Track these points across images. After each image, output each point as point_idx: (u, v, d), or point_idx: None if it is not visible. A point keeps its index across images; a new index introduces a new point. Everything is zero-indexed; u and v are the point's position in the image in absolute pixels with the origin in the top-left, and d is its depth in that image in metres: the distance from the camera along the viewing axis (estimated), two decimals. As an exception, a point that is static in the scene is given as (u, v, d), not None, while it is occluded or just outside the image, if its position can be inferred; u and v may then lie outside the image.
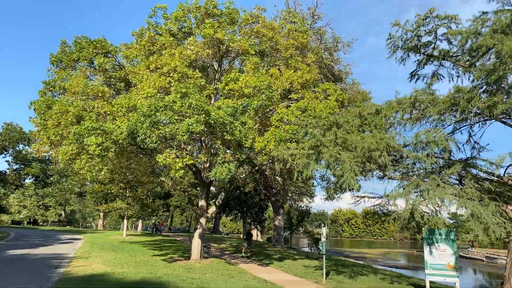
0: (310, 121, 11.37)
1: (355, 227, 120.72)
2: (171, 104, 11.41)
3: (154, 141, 11.40)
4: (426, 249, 11.02)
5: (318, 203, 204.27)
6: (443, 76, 15.29)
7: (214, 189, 48.84)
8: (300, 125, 11.48)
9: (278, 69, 17.10)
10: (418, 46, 14.94)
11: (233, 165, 12.11)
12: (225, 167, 12.03)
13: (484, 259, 43.95)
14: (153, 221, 57.36)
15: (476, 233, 9.11)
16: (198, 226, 17.60)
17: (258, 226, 52.20)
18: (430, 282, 11.12)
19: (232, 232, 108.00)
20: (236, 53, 17.30)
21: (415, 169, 12.59)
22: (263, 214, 50.70)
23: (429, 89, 13.51)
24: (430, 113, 11.34)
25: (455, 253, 10.79)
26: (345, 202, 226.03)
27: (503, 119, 12.60)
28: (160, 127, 11.46)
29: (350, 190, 15.73)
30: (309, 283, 12.89)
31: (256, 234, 56.10)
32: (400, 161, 12.74)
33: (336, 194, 18.42)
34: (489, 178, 12.85)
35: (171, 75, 14.21)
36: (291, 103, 16.12)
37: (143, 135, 11.39)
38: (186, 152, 12.47)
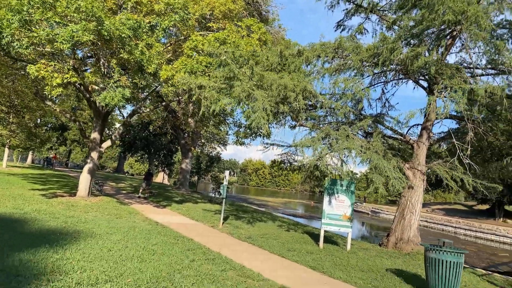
0: (226, 51, 9.92)
1: (262, 177, 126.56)
2: (52, 1, 8.83)
3: (25, 46, 8.83)
4: (325, 199, 10.89)
5: (231, 151, 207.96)
6: (367, 31, 14.88)
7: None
8: (215, 54, 9.98)
9: (199, -8, 14.93)
10: (349, -8, 14.15)
11: (128, 91, 10.21)
12: (119, 92, 10.06)
13: (370, 212, 49.32)
14: (47, 154, 51.61)
15: (376, 185, 9.02)
16: (88, 161, 15.47)
17: (165, 169, 50.60)
18: (325, 231, 11.15)
19: (140, 174, 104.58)
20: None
21: (327, 121, 12.23)
22: (172, 157, 49.04)
23: (353, 38, 12.94)
24: (352, 62, 10.74)
25: (352, 204, 10.86)
26: (256, 154, 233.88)
27: (418, 78, 12.70)
28: (34, 29, 8.88)
29: (260, 134, 15.07)
30: (204, 227, 12.15)
31: (162, 177, 54.54)
32: (314, 110, 12.21)
33: (246, 139, 17.70)
34: (393, 136, 13.13)
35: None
36: (209, 33, 14.32)
37: (9, 37, 8.73)
38: (69, 66, 10.09)
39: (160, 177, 54.95)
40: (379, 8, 14.40)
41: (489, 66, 11.72)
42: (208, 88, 9.63)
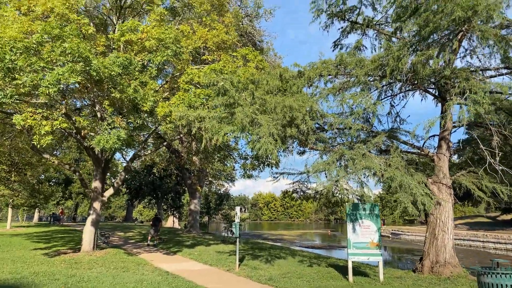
0: (224, 78, 9.33)
1: (274, 210, 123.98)
2: (36, 46, 8.39)
3: (9, 96, 8.30)
4: (349, 227, 9.88)
5: (239, 187, 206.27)
6: (365, 47, 14.41)
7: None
8: (212, 83, 9.39)
9: (191, 27, 14.69)
10: (343, 11, 13.80)
11: (124, 132, 9.56)
12: (113, 133, 9.41)
13: (390, 235, 47.22)
14: (54, 210, 50.79)
15: (405, 204, 8.06)
16: (91, 212, 14.63)
17: (175, 212, 49.39)
18: (352, 262, 10.05)
19: (149, 220, 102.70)
20: (141, 5, 14.46)
21: (337, 142, 11.44)
22: (180, 199, 47.99)
23: (354, 54, 12.42)
24: (356, 78, 10.07)
25: (379, 229, 9.83)
26: (265, 187, 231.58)
27: (427, 87, 12.02)
28: (17, 76, 8.39)
29: (268, 164, 14.25)
30: (219, 271, 11.07)
31: (172, 221, 53.23)
32: (323, 132, 11.47)
33: (254, 171, 16.89)
34: (410, 151, 12.28)
35: (48, 20, 10.95)
36: (205, 66, 13.92)
37: (-8, 87, 8.24)
38: (60, 113, 9.52)
39: (170, 221, 53.64)
40: (375, 22, 14.02)
41: (502, 65, 11.05)
42: (208, 119, 8.96)
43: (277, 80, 10.32)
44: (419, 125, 15.07)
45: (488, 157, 9.08)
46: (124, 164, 37.74)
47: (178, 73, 13.32)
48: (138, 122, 10.51)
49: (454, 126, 12.25)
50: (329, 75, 11.02)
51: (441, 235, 11.05)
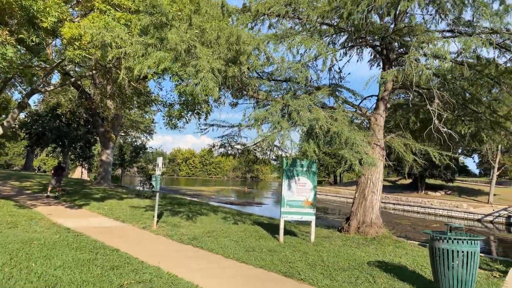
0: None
1: (193, 167, 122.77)
2: None
3: None
4: (284, 184, 9.09)
5: (157, 142, 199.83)
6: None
7: (24, 115, 38.71)
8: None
9: None
10: None
11: (12, 50, 7.17)
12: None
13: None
14: None
15: (352, 162, 7.40)
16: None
17: (84, 163, 45.11)
18: (285, 221, 9.39)
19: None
20: None
21: (280, 92, 10.36)
22: (91, 149, 43.81)
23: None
24: (309, 16, 8.87)
25: (315, 187, 9.23)
26: (185, 143, 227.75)
27: (373, 43, 11.41)
28: None
29: (198, 112, 12.74)
30: (134, 229, 9.61)
31: (81, 172, 48.93)
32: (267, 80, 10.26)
33: (180, 120, 15.19)
34: (349, 109, 11.80)
35: None
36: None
37: None
38: None
39: (78, 173, 49.26)
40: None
41: (447, 28, 10.84)
42: (131, 44, 7.05)
43: (219, 10, 8.65)
44: (369, 83, 14.61)
45: (433, 119, 8.81)
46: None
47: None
48: (34, 40, 8.01)
49: (394, 88, 12.01)
50: (277, 15, 9.65)
51: (370, 196, 10.97)
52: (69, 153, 41.70)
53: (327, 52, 8.46)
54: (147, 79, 21.69)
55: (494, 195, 33.62)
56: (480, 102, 11.78)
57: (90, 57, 9.75)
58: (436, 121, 8.67)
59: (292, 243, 8.76)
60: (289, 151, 7.87)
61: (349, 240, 9.74)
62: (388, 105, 11.98)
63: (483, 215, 28.10)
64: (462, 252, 4.97)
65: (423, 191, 41.17)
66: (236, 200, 36.65)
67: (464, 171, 70.92)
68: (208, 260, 6.74)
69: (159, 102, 17.73)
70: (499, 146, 27.67)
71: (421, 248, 9.59)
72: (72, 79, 14.51)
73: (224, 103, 14.86)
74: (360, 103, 12.33)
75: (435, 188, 41.70)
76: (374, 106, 12.05)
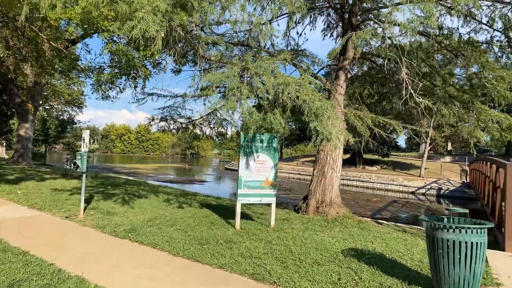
0: None
1: (128, 143, 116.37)
2: None
3: None
4: (241, 162, 7.76)
5: (89, 117, 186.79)
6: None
7: None
8: None
9: None
10: None
11: None
12: None
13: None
14: None
15: (326, 136, 6.27)
16: None
17: (0, 139, 39.65)
18: (242, 204, 8.14)
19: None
20: None
21: (235, 53, 8.85)
22: (8, 123, 38.45)
23: None
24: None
25: (276, 165, 8.04)
26: (119, 118, 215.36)
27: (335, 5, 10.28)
28: None
29: (133, 77, 10.81)
30: (54, 219, 7.70)
31: (-3, 149, 43.24)
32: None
33: (113, 88, 13.03)
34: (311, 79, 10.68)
35: None
36: None
37: None
38: None
39: (-5, 150, 43.42)
40: None
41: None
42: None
43: None
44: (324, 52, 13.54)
45: (407, 89, 7.94)
46: None
47: None
48: None
49: (355, 58, 11.11)
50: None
51: (330, 173, 10.13)
52: (-20, 127, 36.21)
53: (290, 11, 7.07)
54: (73, 44, 18.65)
55: (425, 168, 35.77)
56: (438, 74, 11.36)
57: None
58: (412, 91, 7.84)
59: (251, 229, 7.57)
60: (250, 125, 6.50)
61: (310, 222, 8.81)
62: (349, 76, 11.09)
63: (416, 188, 29.56)
64: (471, 243, 4.11)
65: (361, 166, 42.72)
66: (176, 178, 34.76)
67: (395, 146, 75.68)
68: (151, 261, 5.27)
69: (88, 66, 15.11)
70: (432, 122, 28.97)
71: (384, 228, 9.00)
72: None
73: (165, 70, 13.02)
74: (318, 71, 11.30)
75: (372, 162, 43.45)
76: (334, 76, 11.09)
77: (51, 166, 25.65)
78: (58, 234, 6.48)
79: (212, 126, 12.43)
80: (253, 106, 10.16)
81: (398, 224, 10.61)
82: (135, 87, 12.36)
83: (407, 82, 7.86)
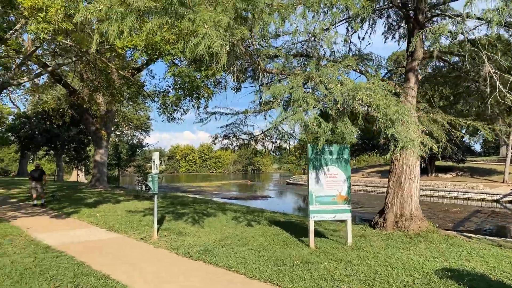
0: None
1: (192, 162, 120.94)
2: None
3: None
4: (311, 176, 7.36)
5: (154, 141, 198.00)
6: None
7: (12, 119, 36.69)
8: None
9: None
10: None
11: None
12: None
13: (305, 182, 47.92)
14: None
15: (405, 144, 5.68)
16: None
17: (79, 165, 43.34)
18: (315, 222, 7.68)
19: (51, 174, 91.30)
20: None
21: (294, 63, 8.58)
22: (85, 150, 41.96)
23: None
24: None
25: (348, 178, 7.51)
26: (183, 139, 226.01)
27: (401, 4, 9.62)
28: None
29: (196, 97, 11.00)
30: (130, 242, 7.89)
31: (77, 175, 47.18)
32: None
33: (177, 111, 13.49)
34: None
35: None
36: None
37: None
38: None
39: (75, 175, 47.50)
40: None
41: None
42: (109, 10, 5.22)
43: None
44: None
45: (493, 85, 7.03)
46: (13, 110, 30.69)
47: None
48: None
49: (425, 57, 10.27)
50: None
51: (407, 183, 9.28)
52: (63, 155, 39.93)
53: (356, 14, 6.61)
54: (139, 72, 19.84)
55: (509, 173, 32.10)
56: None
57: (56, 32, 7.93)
58: (501, 87, 6.90)
59: (327, 248, 7.07)
60: (319, 136, 6.11)
61: (390, 239, 8.07)
62: (420, 77, 10.25)
63: (501, 195, 26.57)
64: None
65: (434, 174, 39.63)
66: (240, 195, 35.01)
67: (469, 151, 69.33)
68: (229, 285, 5.04)
69: (152, 91, 15.89)
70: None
71: (476, 242, 7.94)
72: (49, 68, 12.66)
73: (225, 88, 13.16)
74: (385, 75, 10.59)
75: (445, 170, 40.15)
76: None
77: (124, 188, 27.23)
78: (134, 257, 6.56)
79: (274, 140, 12.26)
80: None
81: (490, 237, 9.36)
82: (198, 107, 12.64)
83: (493, 77, 6.93)
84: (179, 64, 11.01)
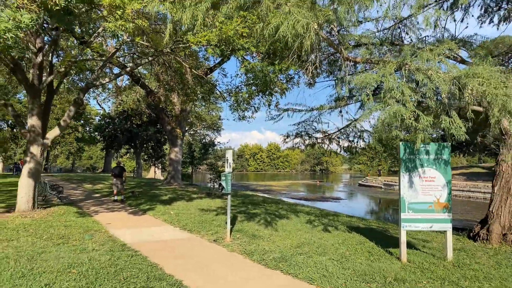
0: None
1: (260, 161, 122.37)
2: None
3: None
4: (403, 179, 6.38)
5: (224, 140, 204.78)
6: None
7: (98, 119, 40.08)
8: None
9: None
10: None
11: (28, 17, 5.48)
12: (6, 15, 5.31)
13: (382, 186, 45.23)
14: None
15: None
16: (28, 159, 10.80)
17: (156, 162, 45.87)
18: (407, 232, 6.67)
19: (131, 171, 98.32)
20: None
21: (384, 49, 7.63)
22: (162, 148, 44.25)
23: None
24: None
25: (449, 183, 6.38)
26: (251, 139, 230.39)
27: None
28: None
29: (271, 93, 10.52)
30: (202, 242, 7.62)
31: (154, 172, 50.02)
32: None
33: (248, 109, 13.22)
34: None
35: None
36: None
37: None
38: None
39: (152, 172, 50.45)
40: None
41: None
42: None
43: None
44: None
45: None
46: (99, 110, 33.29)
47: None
48: (60, 3, 6.28)
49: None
50: None
51: (519, 190, 7.77)
52: (142, 153, 42.52)
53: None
54: (211, 72, 20.08)
55: None
56: None
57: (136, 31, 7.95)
58: None
59: (422, 263, 6.06)
60: (425, 130, 5.15)
61: (499, 255, 6.74)
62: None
63: None
64: None
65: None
66: (309, 195, 34.06)
67: None
68: (311, 302, 4.40)
69: (224, 90, 15.88)
70: None
71: None
72: (127, 69, 13.15)
73: (298, 83, 12.49)
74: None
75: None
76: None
77: (197, 186, 27.93)
78: (207, 261, 6.22)
79: (351, 139, 11.36)
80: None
81: None
82: (269, 105, 12.19)
83: None
84: (252, 61, 10.63)
